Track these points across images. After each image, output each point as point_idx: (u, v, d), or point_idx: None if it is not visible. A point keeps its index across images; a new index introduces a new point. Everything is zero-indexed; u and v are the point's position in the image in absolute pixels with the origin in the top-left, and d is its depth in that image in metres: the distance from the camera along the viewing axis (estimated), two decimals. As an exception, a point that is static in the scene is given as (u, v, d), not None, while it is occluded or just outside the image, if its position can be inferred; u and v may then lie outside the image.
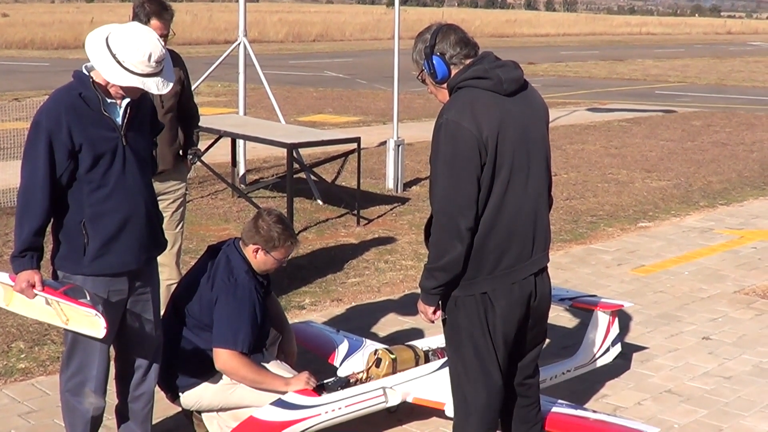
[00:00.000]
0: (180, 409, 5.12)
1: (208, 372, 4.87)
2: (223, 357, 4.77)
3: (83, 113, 4.24)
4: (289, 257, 5.08)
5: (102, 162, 4.28)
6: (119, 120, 4.33)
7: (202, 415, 5.06)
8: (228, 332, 4.76)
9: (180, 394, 4.91)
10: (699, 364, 6.40)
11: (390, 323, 7.16)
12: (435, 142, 4.06)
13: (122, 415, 4.77)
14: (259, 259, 4.92)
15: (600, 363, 5.83)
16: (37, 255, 4.25)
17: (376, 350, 5.29)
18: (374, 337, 6.22)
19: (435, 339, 5.73)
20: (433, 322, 4.39)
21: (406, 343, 5.54)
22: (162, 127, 5.01)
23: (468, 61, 4.15)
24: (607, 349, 5.80)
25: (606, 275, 8.45)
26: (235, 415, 4.95)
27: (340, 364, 5.61)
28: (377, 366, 5.21)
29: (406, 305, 7.55)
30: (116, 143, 4.31)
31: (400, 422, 5.43)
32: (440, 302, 4.30)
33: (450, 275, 4.13)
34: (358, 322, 6.92)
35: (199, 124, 6.77)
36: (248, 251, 4.93)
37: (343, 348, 5.75)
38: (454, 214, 4.03)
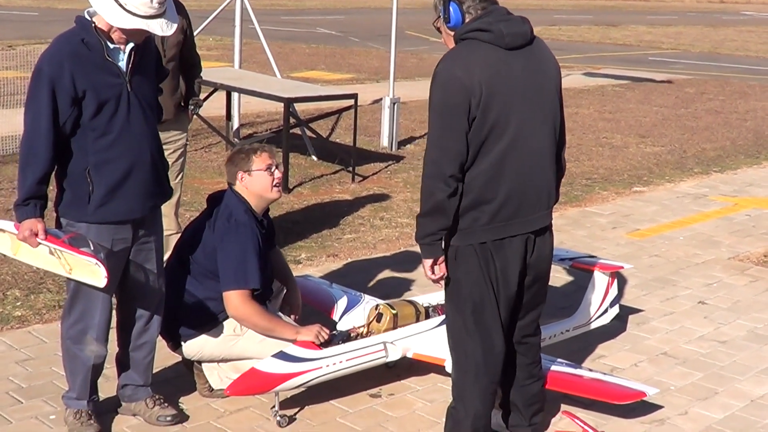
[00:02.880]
0: (180, 358, 5.10)
1: (211, 322, 4.86)
2: (234, 302, 4.75)
3: (86, 59, 4.18)
4: (275, 167, 4.97)
5: (106, 108, 4.23)
6: (123, 65, 4.27)
7: (203, 365, 5.05)
8: (235, 273, 4.73)
9: (182, 343, 4.90)
10: (694, 328, 6.41)
11: (386, 280, 7.15)
12: (430, 91, 4.07)
13: (123, 363, 4.75)
14: (248, 186, 4.88)
15: (597, 324, 5.84)
16: (41, 203, 4.20)
17: (377, 305, 5.28)
18: (372, 293, 6.20)
19: (435, 295, 5.73)
20: (434, 280, 4.34)
21: (407, 299, 5.53)
22: (167, 73, 4.96)
23: (480, 13, 4.12)
24: (605, 311, 5.81)
25: (601, 238, 8.46)
26: (235, 366, 4.94)
27: (340, 319, 5.61)
28: (378, 321, 5.20)
29: (401, 262, 7.54)
30: (121, 89, 4.26)
31: (398, 377, 5.43)
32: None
33: (436, 222, 4.09)
34: (354, 277, 6.90)
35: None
36: (239, 188, 4.91)
37: (342, 303, 5.74)
38: (439, 160, 4.02)
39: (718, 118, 15.84)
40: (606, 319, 5.87)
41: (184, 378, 5.23)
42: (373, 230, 8.44)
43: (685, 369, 5.75)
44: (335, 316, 5.65)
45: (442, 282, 4.32)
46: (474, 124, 4.00)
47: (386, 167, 10.96)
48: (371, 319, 5.22)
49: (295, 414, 5.00)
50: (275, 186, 4.93)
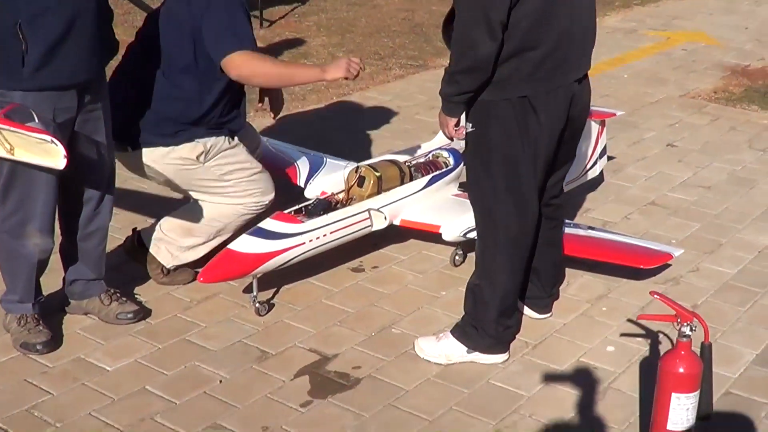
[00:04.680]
0: (122, 242, 4.36)
1: (177, 135, 4.10)
2: (236, 61, 3.96)
3: None
4: None
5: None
6: None
7: (150, 245, 4.29)
8: (230, 37, 3.95)
9: (141, 149, 4.12)
10: (673, 174, 5.94)
11: (327, 134, 6.45)
12: None
13: (70, 255, 3.98)
14: None
15: (590, 176, 5.29)
16: None
17: (357, 167, 4.57)
18: (326, 152, 5.47)
19: (407, 151, 5.07)
20: (452, 139, 3.73)
21: (388, 158, 4.83)
22: None
23: None
24: (596, 162, 5.25)
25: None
26: (184, 229, 4.25)
27: (306, 185, 4.88)
28: (360, 185, 4.51)
29: (339, 114, 6.87)
30: None
31: (375, 247, 4.79)
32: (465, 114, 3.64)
33: (476, 78, 3.46)
34: (294, 134, 6.13)
35: None
36: None
37: (303, 166, 5.01)
38: (484, 3, 3.30)
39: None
40: (596, 171, 5.32)
41: (133, 264, 4.47)
42: (298, 80, 7.62)
43: (679, 220, 5.28)
44: (299, 182, 4.92)
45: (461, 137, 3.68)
46: None
47: (293, 10, 10.06)
48: (352, 184, 4.53)
49: (273, 298, 4.32)
50: None
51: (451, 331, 3.89)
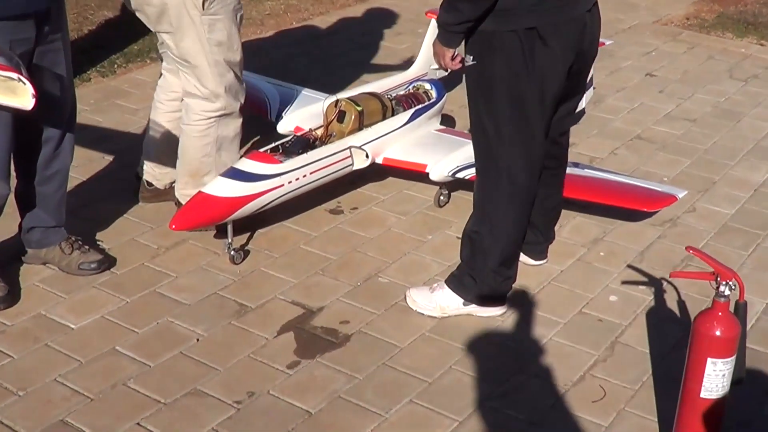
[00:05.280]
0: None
1: None
2: None
3: None
4: None
5: None
6: None
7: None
8: None
9: None
10: (656, 105, 5.67)
11: (289, 63, 6.07)
12: None
13: (26, 201, 3.61)
14: None
15: (578, 108, 4.98)
16: None
17: (337, 101, 4.21)
18: (291, 81, 5.10)
19: (383, 82, 4.73)
20: (447, 70, 3.41)
21: (368, 92, 4.47)
22: None
23: None
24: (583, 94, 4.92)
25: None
26: (194, 172, 3.90)
27: (277, 119, 4.52)
28: (340, 120, 4.16)
29: (301, 41, 6.47)
30: None
31: (353, 186, 4.47)
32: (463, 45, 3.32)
33: (479, 6, 3.12)
34: (250, 64, 5.70)
35: None
36: None
37: (273, 98, 4.65)
38: None
39: None
40: (584, 104, 5.02)
41: (95, 206, 4.10)
42: (254, 2, 7.19)
43: (668, 155, 5.03)
44: (271, 116, 4.56)
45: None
46: None
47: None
48: (331, 119, 4.17)
49: (248, 244, 3.98)
50: None
51: (446, 282, 3.60)
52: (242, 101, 3.88)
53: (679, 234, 4.22)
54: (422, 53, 5.01)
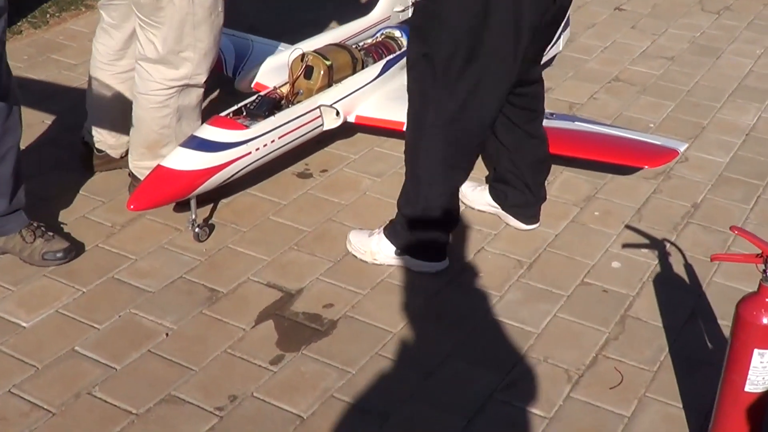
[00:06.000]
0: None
1: None
2: None
3: None
4: None
5: None
6: None
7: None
8: None
9: None
10: (630, 43, 5.36)
11: (234, 7, 5.60)
12: None
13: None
14: None
15: (553, 53, 4.65)
16: None
17: (303, 55, 3.81)
18: (252, 31, 4.68)
19: (345, 29, 4.33)
20: None
21: (335, 43, 4.08)
22: None
23: None
24: (559, 36, 4.60)
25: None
26: (153, 144, 3.45)
27: (235, 75, 4.11)
28: (307, 77, 3.77)
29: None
30: None
31: (320, 145, 4.11)
32: None
33: None
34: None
35: None
36: None
37: (227, 50, 4.23)
38: None
39: None
40: (560, 45, 4.68)
41: (37, 179, 3.68)
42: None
43: (650, 98, 4.73)
44: (226, 71, 4.15)
45: None
46: None
47: None
48: (298, 75, 3.78)
49: (211, 217, 3.61)
50: None
51: (384, 228, 3.30)
52: (210, 70, 3.44)
53: (675, 187, 3.94)
54: (384, -6, 4.62)
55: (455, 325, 3.10)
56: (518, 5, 2.85)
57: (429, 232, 3.22)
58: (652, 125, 4.44)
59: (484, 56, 2.91)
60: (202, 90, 3.48)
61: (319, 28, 5.15)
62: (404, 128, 3.22)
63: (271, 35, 4.68)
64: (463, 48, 2.89)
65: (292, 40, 4.68)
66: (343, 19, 5.09)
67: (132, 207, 3.21)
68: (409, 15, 4.49)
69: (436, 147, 3.07)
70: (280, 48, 4.22)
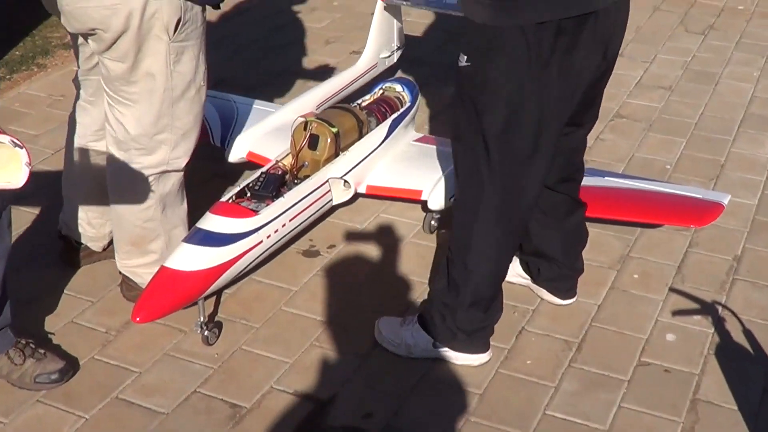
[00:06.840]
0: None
1: None
2: None
3: None
4: None
5: None
6: None
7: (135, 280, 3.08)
8: None
9: None
10: (623, 73, 5.04)
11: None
12: None
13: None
14: None
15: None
16: None
17: (305, 122, 3.43)
18: (221, 84, 4.31)
19: (333, 83, 3.99)
20: None
21: (338, 105, 3.72)
22: None
23: None
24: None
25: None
26: (138, 240, 3.04)
27: (224, 144, 3.73)
28: (312, 147, 3.40)
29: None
30: None
31: (322, 216, 3.71)
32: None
33: None
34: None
35: None
36: None
37: (212, 117, 3.85)
38: None
39: None
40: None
41: (12, 277, 3.23)
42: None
43: (659, 135, 4.46)
44: (215, 141, 3.76)
45: None
46: None
47: None
48: (302, 145, 3.40)
49: (217, 313, 3.22)
50: None
51: (418, 316, 2.97)
52: (191, 152, 3.04)
53: (711, 238, 3.66)
54: (371, 41, 4.29)
55: (515, 426, 2.76)
56: (570, 66, 2.54)
57: (476, 321, 2.88)
58: (668, 166, 4.16)
59: (539, 124, 2.59)
60: (182, 173, 3.08)
61: (291, 78, 4.82)
62: (453, 207, 2.86)
63: (243, 89, 4.34)
64: (518, 118, 2.57)
65: (270, 95, 4.37)
66: (312, 67, 4.77)
67: (138, 319, 2.80)
68: (395, 60, 4.20)
69: (489, 230, 2.73)
70: (269, 109, 3.85)
